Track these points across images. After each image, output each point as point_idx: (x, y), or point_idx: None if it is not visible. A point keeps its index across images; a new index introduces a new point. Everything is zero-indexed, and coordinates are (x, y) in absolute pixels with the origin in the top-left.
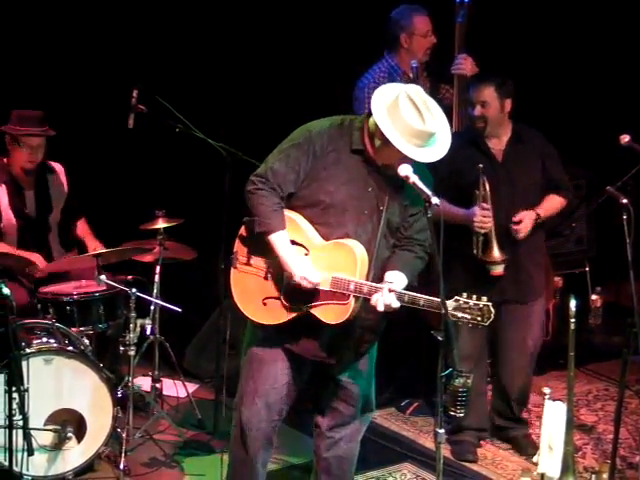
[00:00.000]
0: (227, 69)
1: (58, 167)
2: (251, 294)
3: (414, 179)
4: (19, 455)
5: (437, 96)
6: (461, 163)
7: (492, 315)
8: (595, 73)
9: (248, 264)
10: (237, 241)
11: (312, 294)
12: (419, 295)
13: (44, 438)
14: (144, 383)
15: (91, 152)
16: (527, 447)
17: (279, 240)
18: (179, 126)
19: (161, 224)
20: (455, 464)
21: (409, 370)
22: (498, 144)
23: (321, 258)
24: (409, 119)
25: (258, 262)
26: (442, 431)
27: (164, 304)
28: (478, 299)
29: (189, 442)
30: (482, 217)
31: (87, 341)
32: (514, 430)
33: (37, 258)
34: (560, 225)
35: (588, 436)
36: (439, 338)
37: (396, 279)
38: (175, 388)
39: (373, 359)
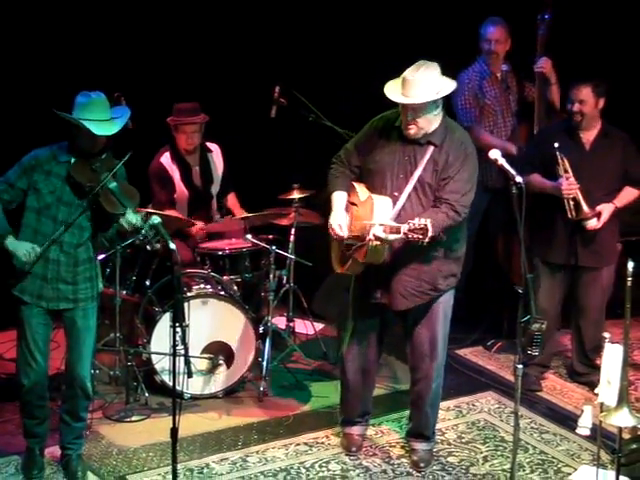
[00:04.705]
0: (358, 67)
1: (214, 147)
2: (335, 251)
3: (502, 161)
4: (181, 377)
5: (523, 94)
6: (554, 148)
7: (429, 231)
8: None
9: None
10: None
11: (357, 242)
12: (401, 224)
13: (200, 364)
14: (280, 322)
15: (242, 136)
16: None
17: (335, 198)
18: (312, 115)
19: (296, 195)
20: (529, 393)
21: (494, 316)
22: (588, 135)
23: (359, 210)
24: (403, 74)
25: None
26: (520, 366)
27: (297, 259)
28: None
29: (315, 370)
30: (567, 185)
31: (236, 287)
32: (590, 375)
33: (199, 223)
34: None
35: None
36: (519, 291)
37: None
38: (305, 327)
39: (444, 317)
